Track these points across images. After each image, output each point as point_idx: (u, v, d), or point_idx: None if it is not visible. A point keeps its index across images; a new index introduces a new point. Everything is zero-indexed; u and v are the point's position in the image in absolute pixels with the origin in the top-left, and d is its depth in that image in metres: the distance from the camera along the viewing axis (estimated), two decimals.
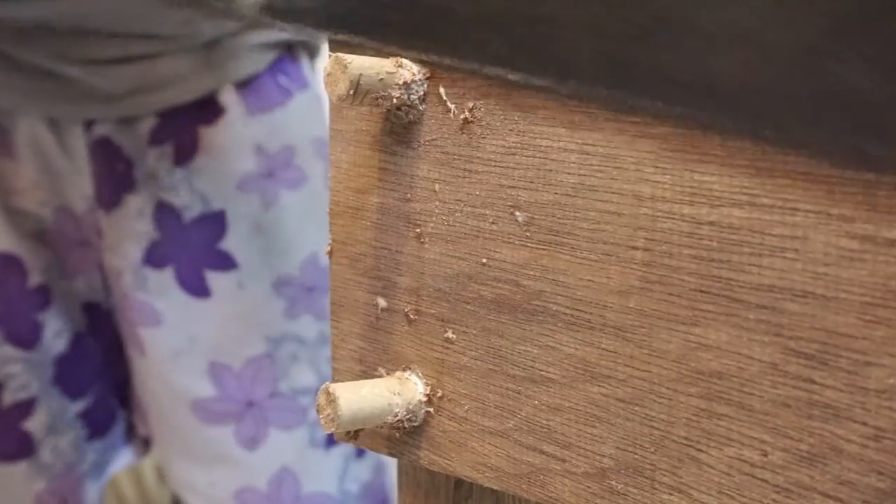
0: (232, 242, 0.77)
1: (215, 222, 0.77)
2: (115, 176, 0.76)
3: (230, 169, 0.77)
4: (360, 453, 0.83)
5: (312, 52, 0.84)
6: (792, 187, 0.24)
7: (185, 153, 0.76)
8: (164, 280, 0.77)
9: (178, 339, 0.78)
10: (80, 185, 0.77)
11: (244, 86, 0.77)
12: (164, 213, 0.77)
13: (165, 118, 0.76)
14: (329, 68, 0.31)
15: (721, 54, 0.25)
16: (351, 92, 0.31)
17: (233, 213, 0.77)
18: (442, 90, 0.33)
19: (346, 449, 0.81)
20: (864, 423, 0.24)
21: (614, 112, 0.28)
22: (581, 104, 0.29)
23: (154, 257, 0.77)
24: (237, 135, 0.77)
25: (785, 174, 0.25)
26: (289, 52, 0.80)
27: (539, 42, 0.29)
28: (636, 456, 0.28)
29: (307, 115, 0.81)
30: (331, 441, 0.81)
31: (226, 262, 0.78)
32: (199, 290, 0.78)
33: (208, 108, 0.76)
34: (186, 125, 0.76)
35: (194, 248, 0.77)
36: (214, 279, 0.77)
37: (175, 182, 0.77)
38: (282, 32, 0.77)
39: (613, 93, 0.28)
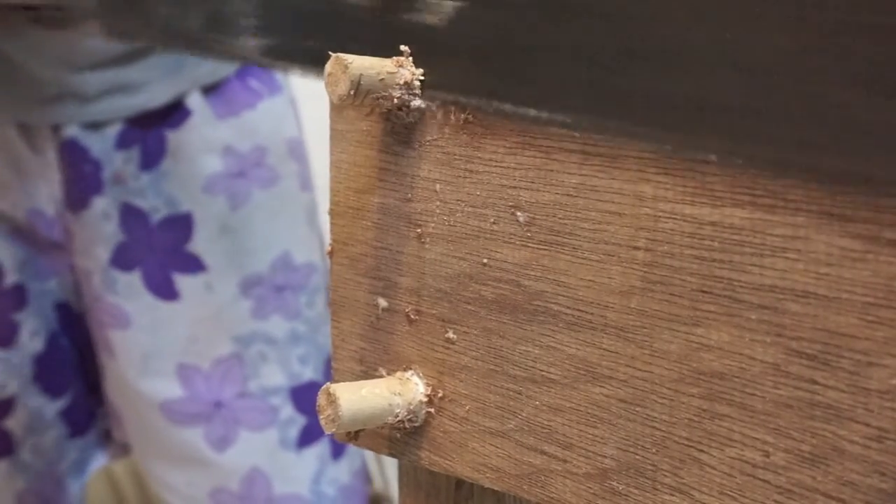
0: (199, 244, 0.78)
1: (182, 225, 0.78)
2: (83, 178, 0.77)
3: (196, 171, 0.77)
4: (336, 455, 0.83)
5: None
6: (794, 187, 0.24)
7: (152, 157, 0.77)
8: (131, 282, 0.78)
9: (147, 341, 0.78)
10: (50, 188, 0.77)
11: (212, 89, 0.78)
12: (131, 216, 0.77)
13: (132, 123, 0.77)
14: (329, 68, 0.31)
15: (711, 77, 0.25)
16: (351, 92, 0.31)
17: (199, 215, 0.78)
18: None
19: (320, 450, 0.81)
20: (867, 424, 0.24)
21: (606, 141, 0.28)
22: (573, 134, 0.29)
23: (121, 260, 0.78)
24: (203, 137, 0.77)
25: (787, 174, 0.24)
26: None
27: (528, 73, 0.30)
28: (637, 457, 0.28)
29: (279, 116, 0.81)
30: (303, 442, 0.81)
31: (193, 265, 0.78)
32: (166, 292, 0.78)
33: (175, 113, 0.77)
34: (153, 129, 0.77)
35: (161, 251, 0.78)
36: (182, 282, 0.78)
37: (142, 185, 0.77)
38: None
39: (605, 122, 0.28)
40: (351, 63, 0.31)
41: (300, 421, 0.81)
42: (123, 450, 0.88)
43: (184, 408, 0.79)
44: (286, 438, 0.80)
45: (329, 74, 0.31)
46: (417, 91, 0.33)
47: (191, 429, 0.79)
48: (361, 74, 0.31)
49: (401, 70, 0.32)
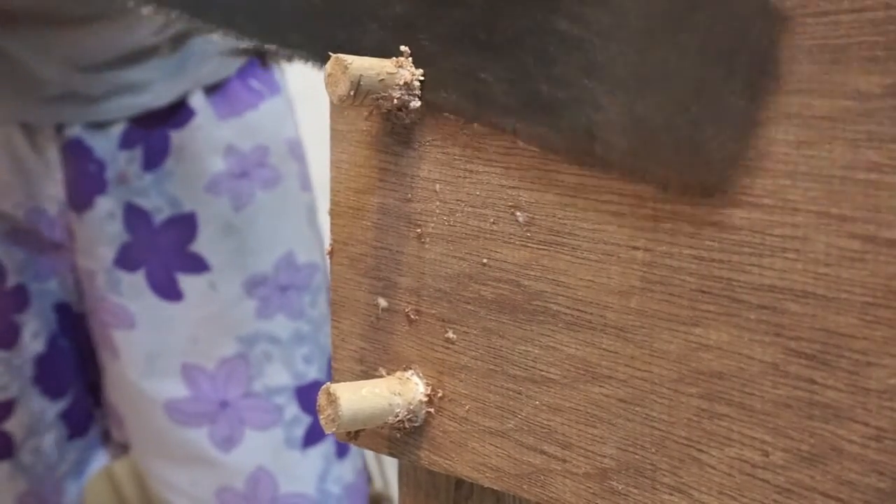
0: (203, 244, 0.78)
1: (186, 225, 0.78)
2: (87, 178, 0.77)
3: (199, 171, 0.77)
4: (341, 454, 0.83)
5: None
6: (792, 187, 0.24)
7: (155, 157, 0.77)
8: (136, 283, 0.78)
9: (151, 342, 0.78)
10: (52, 188, 0.77)
11: (214, 90, 0.78)
12: (135, 216, 0.77)
13: (136, 123, 0.77)
14: (329, 69, 0.31)
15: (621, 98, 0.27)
16: (351, 93, 0.31)
17: (203, 214, 0.77)
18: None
19: (325, 449, 0.81)
20: (865, 424, 0.24)
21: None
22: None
23: (125, 260, 0.78)
24: (206, 137, 0.77)
25: (786, 174, 0.25)
26: (259, 57, 0.81)
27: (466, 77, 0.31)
28: (637, 456, 0.28)
29: (279, 117, 0.82)
30: (308, 441, 0.81)
31: (197, 265, 0.78)
32: (170, 293, 0.78)
33: (178, 113, 0.77)
34: (156, 129, 0.77)
35: (165, 251, 0.78)
36: (186, 282, 0.78)
37: (145, 186, 0.77)
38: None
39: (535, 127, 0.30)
40: (351, 64, 0.31)
41: (305, 420, 0.80)
42: (123, 450, 0.88)
43: (189, 408, 0.79)
44: (291, 438, 0.80)
45: (329, 75, 0.31)
46: (417, 92, 0.33)
47: (196, 429, 0.79)
48: (361, 75, 0.31)
49: (400, 71, 0.32)
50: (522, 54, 0.29)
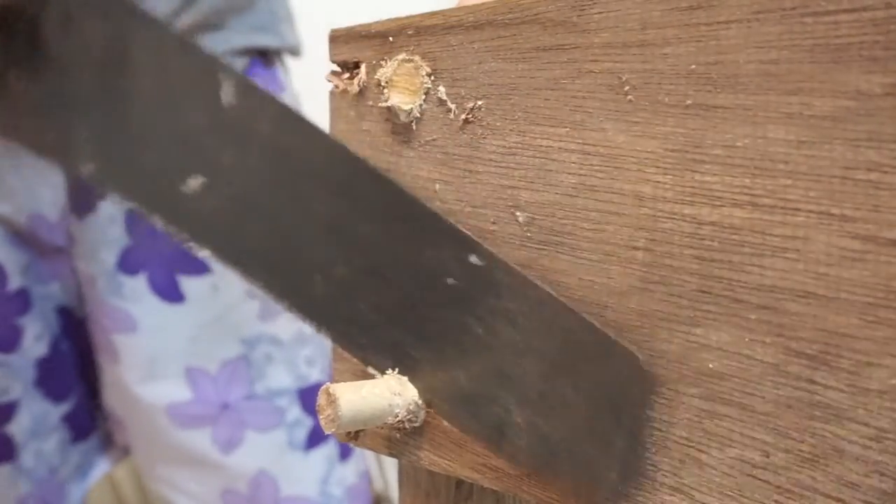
0: None
1: None
2: None
3: None
4: (343, 456, 0.83)
5: (286, 58, 0.84)
6: (793, 187, 0.24)
7: None
8: (137, 286, 0.77)
9: (154, 345, 0.78)
10: (54, 192, 0.77)
11: None
12: (135, 219, 0.77)
13: None
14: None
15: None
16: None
17: None
18: (442, 90, 0.33)
19: (328, 451, 0.81)
20: (866, 424, 0.24)
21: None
22: None
23: (127, 263, 0.77)
24: None
25: (786, 174, 0.25)
26: (261, 57, 0.81)
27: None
28: None
29: None
30: (311, 443, 0.80)
31: (199, 267, 0.77)
32: (172, 295, 0.78)
33: None
34: None
35: (167, 254, 0.77)
36: (188, 284, 0.77)
37: None
38: (251, 38, 0.78)
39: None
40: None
41: (307, 422, 0.80)
42: (124, 453, 0.88)
43: (191, 410, 0.78)
44: (294, 440, 0.80)
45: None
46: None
47: (198, 431, 0.79)
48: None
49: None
50: (444, 344, 0.31)
